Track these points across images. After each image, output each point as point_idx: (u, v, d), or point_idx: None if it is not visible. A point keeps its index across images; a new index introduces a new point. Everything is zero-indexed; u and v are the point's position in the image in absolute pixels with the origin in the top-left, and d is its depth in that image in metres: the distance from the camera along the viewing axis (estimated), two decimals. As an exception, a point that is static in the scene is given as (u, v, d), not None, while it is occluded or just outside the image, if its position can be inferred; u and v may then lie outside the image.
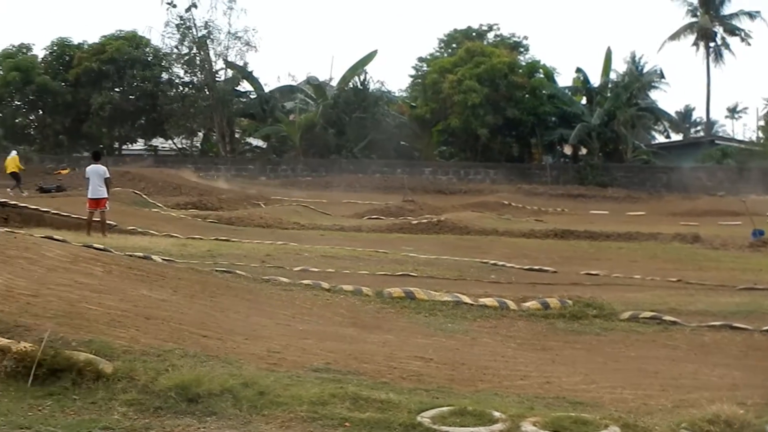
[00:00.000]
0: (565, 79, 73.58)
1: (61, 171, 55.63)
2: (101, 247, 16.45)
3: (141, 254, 16.77)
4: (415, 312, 13.43)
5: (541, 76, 67.13)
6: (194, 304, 12.05)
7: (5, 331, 8.20)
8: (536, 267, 20.29)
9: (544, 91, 65.95)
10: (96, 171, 25.03)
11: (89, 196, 24.85)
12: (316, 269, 17.94)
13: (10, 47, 69.49)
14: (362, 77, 68.12)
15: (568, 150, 66.50)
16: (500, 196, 50.86)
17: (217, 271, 15.71)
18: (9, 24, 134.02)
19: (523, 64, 68.18)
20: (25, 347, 7.70)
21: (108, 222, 25.01)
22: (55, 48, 69.64)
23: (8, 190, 40.70)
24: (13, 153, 47.32)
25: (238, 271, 15.73)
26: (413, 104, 70.53)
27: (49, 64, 68.89)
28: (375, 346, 10.45)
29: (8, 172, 45.09)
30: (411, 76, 77.88)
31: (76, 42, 70.05)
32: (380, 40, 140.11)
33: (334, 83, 70.21)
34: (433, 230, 30.79)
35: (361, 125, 65.18)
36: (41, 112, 70.50)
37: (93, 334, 8.55)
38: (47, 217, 26.62)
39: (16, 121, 70.43)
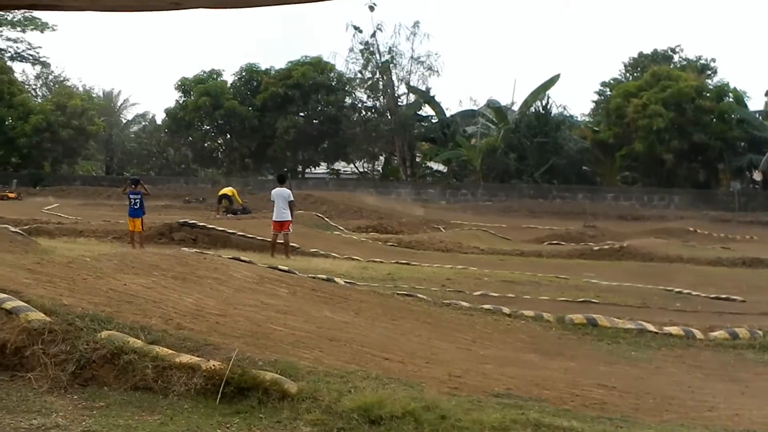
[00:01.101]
0: (756, 103, 71.36)
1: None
2: (286, 268, 16.80)
3: (324, 276, 17.04)
4: (597, 339, 13.22)
5: (731, 99, 65.23)
6: (376, 327, 12.17)
7: (195, 349, 8.46)
8: (723, 296, 19.66)
9: (733, 116, 64.07)
10: (281, 194, 25.59)
11: (274, 218, 25.42)
12: (496, 294, 17.85)
13: (202, 73, 71.83)
14: (544, 101, 67.72)
15: (758, 176, 64.42)
16: (685, 222, 49.55)
17: (398, 294, 15.81)
18: (201, 51, 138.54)
19: (711, 87, 66.38)
20: (214, 365, 7.92)
21: (291, 244, 25.50)
22: (243, 74, 71.67)
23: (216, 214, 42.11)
24: (230, 187, 49.23)
25: (419, 295, 15.80)
26: (596, 129, 69.63)
27: (238, 90, 70.92)
28: (557, 373, 10.34)
29: (219, 194, 46.82)
30: (594, 101, 76.98)
31: (263, 68, 71.97)
32: (563, 64, 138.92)
33: (515, 107, 69.96)
34: (615, 256, 30.22)
35: (542, 150, 64.73)
36: (229, 136, 72.64)
37: (278, 354, 8.72)
38: (233, 239, 27.34)
39: (205, 144, 72.76)
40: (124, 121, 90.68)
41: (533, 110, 67.66)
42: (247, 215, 41.12)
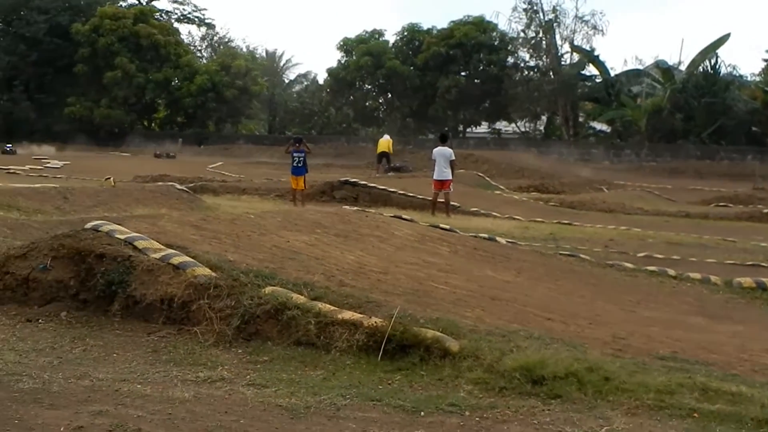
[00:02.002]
0: None
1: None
2: (447, 227, 16.76)
3: (485, 235, 16.96)
4: (767, 303, 12.83)
5: None
6: (538, 287, 12.06)
7: (357, 306, 8.50)
8: None
9: None
10: (442, 153, 25.56)
11: (435, 177, 25.42)
12: (660, 256, 17.45)
13: (364, 33, 72.24)
14: (713, 61, 65.70)
15: None
16: None
17: (560, 254, 15.64)
18: (364, 11, 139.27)
19: None
20: (375, 322, 7.95)
21: (452, 203, 25.47)
22: (405, 33, 71.76)
23: (375, 173, 42.21)
24: (386, 136, 48.84)
25: (581, 255, 15.60)
26: (767, 89, 67.30)
27: (399, 50, 71.08)
28: (724, 337, 10.05)
29: (378, 152, 46.71)
30: (765, 60, 74.35)
31: (425, 27, 71.90)
32: (733, 22, 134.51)
33: (682, 67, 68.10)
34: (787, 219, 29.22)
35: (710, 110, 62.87)
36: (390, 96, 72.99)
37: (440, 313, 8.70)
38: (394, 197, 27.47)
39: (367, 104, 73.27)
40: (287, 81, 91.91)
41: (701, 70, 65.70)
42: (408, 173, 41.20)
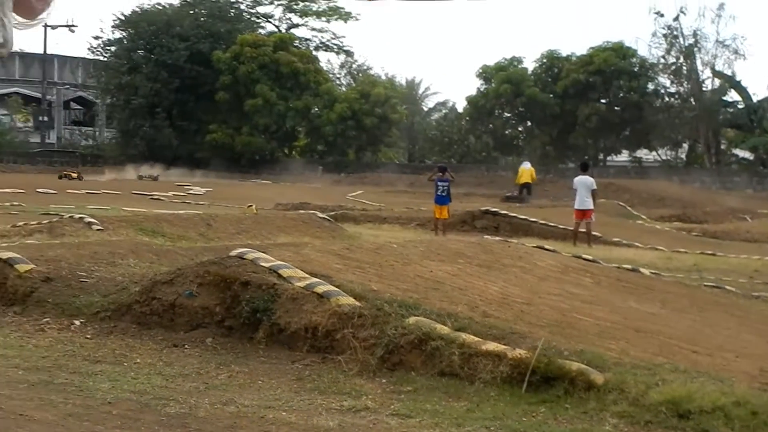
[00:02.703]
0: None
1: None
2: (590, 258, 16.56)
3: (628, 266, 16.70)
4: None
5: None
6: (683, 319, 11.80)
7: (501, 337, 8.43)
8: None
9: None
10: (583, 182, 25.29)
11: (576, 206, 25.16)
12: (811, 288, 16.91)
13: (503, 60, 72.09)
14: None
15: None
16: None
17: (705, 285, 15.30)
18: (503, 38, 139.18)
19: None
20: (520, 354, 7.87)
21: (593, 233, 25.16)
22: (544, 60, 71.40)
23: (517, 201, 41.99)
24: (527, 164, 48.42)
25: (726, 287, 15.23)
26: None
27: (539, 77, 70.75)
28: None
29: (520, 182, 46.42)
30: None
31: (564, 54, 71.44)
32: None
33: (831, 92, 66.18)
34: None
35: None
36: (529, 124, 72.64)
37: (584, 345, 8.57)
38: (535, 227, 27.28)
39: (506, 132, 73.07)
40: (426, 109, 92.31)
41: None
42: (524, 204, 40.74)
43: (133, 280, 10.92)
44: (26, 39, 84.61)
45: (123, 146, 72.32)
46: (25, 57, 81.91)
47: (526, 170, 46.46)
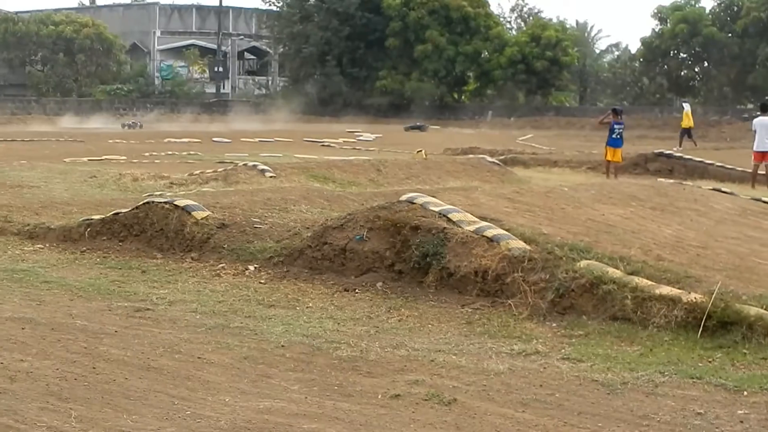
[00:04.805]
0: None
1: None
2: (769, 200, 16.01)
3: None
4: None
5: None
6: None
7: (675, 281, 8.24)
8: None
9: None
10: (763, 123, 24.36)
11: (755, 148, 24.27)
12: None
13: (679, 0, 70.02)
14: None
15: None
16: None
17: None
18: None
19: None
20: (695, 298, 7.68)
21: (773, 175, 24.30)
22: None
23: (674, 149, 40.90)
24: (687, 107, 46.90)
25: None
26: None
27: (717, 15, 68.50)
28: None
29: (684, 126, 45.07)
30: None
31: (742, -8, 68.95)
32: None
33: None
34: None
35: None
36: (706, 64, 70.53)
37: (763, 289, 8.31)
38: (711, 170, 26.51)
39: (681, 73, 71.16)
40: (597, 52, 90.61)
41: None
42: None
43: (305, 225, 11.09)
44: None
45: (295, 94, 73.31)
46: (201, 9, 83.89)
47: (685, 114, 44.99)
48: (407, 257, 9.51)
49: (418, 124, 58.10)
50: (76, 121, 57.99)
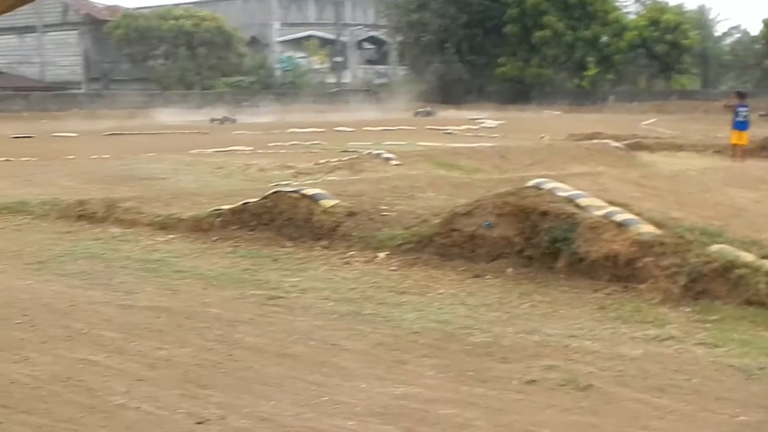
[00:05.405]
0: None
1: None
2: None
3: None
4: None
5: None
6: None
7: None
8: None
9: None
10: None
11: None
12: None
13: None
14: None
15: None
16: None
17: None
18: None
19: None
20: None
21: None
22: None
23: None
24: None
25: None
26: None
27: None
28: None
29: None
30: None
31: None
32: None
33: None
34: None
35: None
36: None
37: None
38: None
39: None
40: (717, 35, 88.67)
41: None
42: None
43: (432, 212, 11.15)
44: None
45: (414, 83, 73.41)
46: (319, 0, 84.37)
47: None
48: (536, 243, 9.51)
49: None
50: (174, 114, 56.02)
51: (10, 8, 2.78)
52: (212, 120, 51.05)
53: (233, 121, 51.21)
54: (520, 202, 9.90)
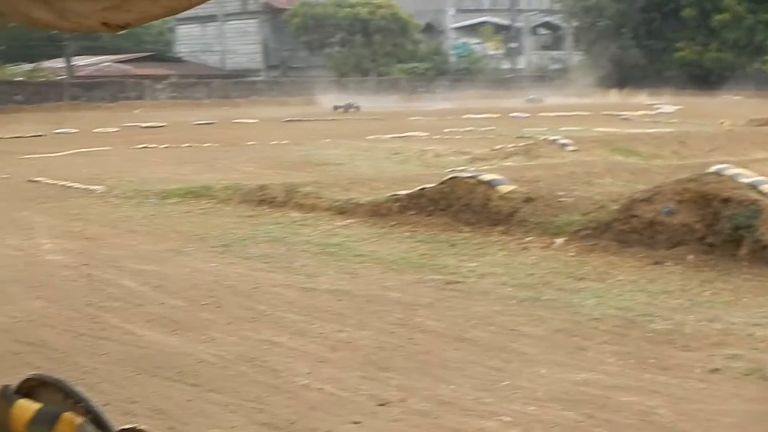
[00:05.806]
0: None
1: None
2: None
3: None
4: None
5: None
6: None
7: None
8: None
9: None
10: None
11: None
12: None
13: None
14: None
15: None
16: None
17: None
18: None
19: None
20: None
21: None
22: None
23: None
24: None
25: None
26: None
27: None
28: None
29: None
30: None
31: None
32: None
33: None
34: None
35: None
36: None
37: None
38: None
39: None
40: None
41: None
42: None
43: (610, 198, 11.05)
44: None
45: (591, 68, 72.44)
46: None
47: None
48: (718, 230, 9.32)
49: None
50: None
51: (201, 1, 2.91)
52: (336, 107, 50.24)
53: (357, 108, 50.26)
54: (701, 188, 9.72)
